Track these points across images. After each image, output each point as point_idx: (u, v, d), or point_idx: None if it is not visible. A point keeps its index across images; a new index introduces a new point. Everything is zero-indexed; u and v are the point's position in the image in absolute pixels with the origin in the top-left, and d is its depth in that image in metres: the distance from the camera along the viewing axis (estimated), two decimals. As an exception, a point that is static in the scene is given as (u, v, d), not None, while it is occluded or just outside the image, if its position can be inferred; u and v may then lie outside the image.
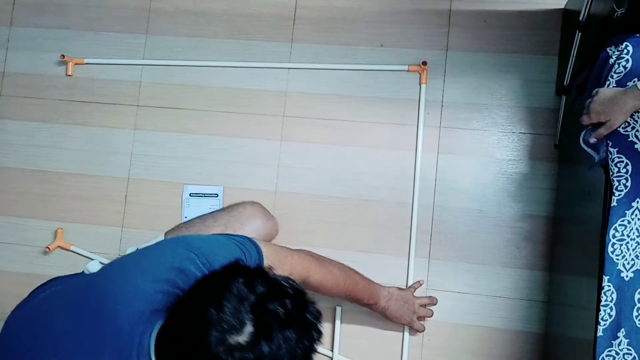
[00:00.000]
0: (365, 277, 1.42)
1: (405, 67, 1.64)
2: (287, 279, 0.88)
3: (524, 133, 1.60)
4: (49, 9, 1.83)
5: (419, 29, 1.66)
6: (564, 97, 1.45)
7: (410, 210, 1.60)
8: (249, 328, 0.79)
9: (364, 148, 1.65)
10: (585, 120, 1.10)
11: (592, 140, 1.09)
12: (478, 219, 1.59)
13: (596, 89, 1.08)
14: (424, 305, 1.53)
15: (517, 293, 1.55)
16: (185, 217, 1.69)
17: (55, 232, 1.72)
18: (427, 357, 1.56)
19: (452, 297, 1.57)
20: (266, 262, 1.08)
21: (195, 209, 1.69)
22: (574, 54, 1.31)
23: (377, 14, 1.68)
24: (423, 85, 1.63)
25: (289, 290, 0.85)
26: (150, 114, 1.75)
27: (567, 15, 1.57)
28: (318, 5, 1.71)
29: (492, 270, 1.57)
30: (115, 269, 1.04)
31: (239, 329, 0.79)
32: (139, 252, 1.07)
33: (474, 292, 1.57)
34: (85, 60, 1.77)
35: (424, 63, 1.62)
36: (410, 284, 1.57)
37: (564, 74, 1.42)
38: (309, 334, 0.83)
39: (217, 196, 1.69)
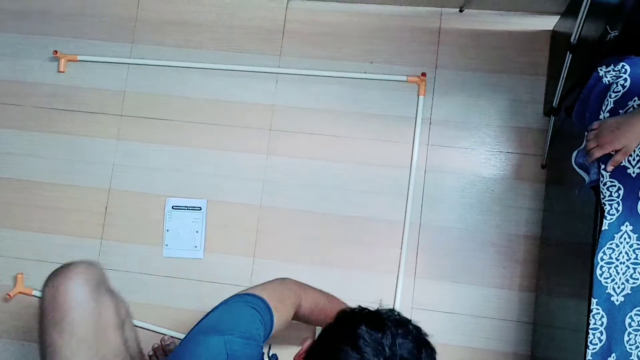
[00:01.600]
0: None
1: (404, 78, 1.63)
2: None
3: (511, 153, 1.59)
4: (31, 15, 1.79)
5: (409, 46, 1.66)
6: (552, 118, 1.45)
7: (402, 227, 1.59)
8: None
9: (351, 164, 1.63)
10: (596, 153, 1.06)
11: (610, 168, 1.05)
12: (464, 238, 1.58)
13: (595, 122, 1.07)
14: None
15: (503, 314, 1.54)
16: (167, 230, 1.65)
17: (15, 278, 1.66)
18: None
19: (437, 317, 1.56)
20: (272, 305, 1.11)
21: (177, 221, 1.65)
22: (564, 75, 1.32)
23: (367, 30, 1.68)
24: (421, 97, 1.62)
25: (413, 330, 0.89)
26: (134, 124, 1.71)
27: (555, 37, 1.58)
28: (307, 20, 1.70)
29: (478, 290, 1.55)
30: None
31: None
32: None
33: (460, 312, 1.55)
34: (78, 57, 1.73)
35: (423, 74, 1.61)
36: (398, 302, 1.55)
37: (553, 95, 1.42)
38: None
39: (201, 209, 1.65)
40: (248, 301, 1.09)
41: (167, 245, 1.65)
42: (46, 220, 1.70)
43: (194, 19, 1.73)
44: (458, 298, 1.56)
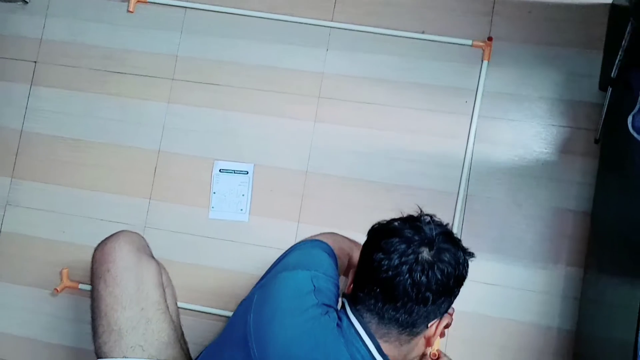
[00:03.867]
0: None
1: (469, 42, 1.61)
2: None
3: (563, 126, 1.57)
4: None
5: (462, 17, 1.64)
6: (609, 89, 1.42)
7: (448, 197, 1.58)
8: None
9: (400, 133, 1.63)
10: None
11: None
12: (512, 211, 1.56)
13: None
14: None
15: (549, 288, 1.52)
16: (214, 193, 1.67)
17: (61, 273, 1.70)
18: (452, 347, 1.53)
19: (480, 288, 1.54)
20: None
21: (224, 184, 1.67)
22: (625, 45, 1.29)
23: (420, 0, 1.67)
24: (485, 62, 1.60)
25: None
26: (185, 88, 1.74)
27: (614, 10, 1.54)
28: (360, -11, 1.70)
29: (525, 263, 1.54)
30: (260, 332, 0.99)
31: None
32: (262, 300, 1.04)
33: (505, 285, 1.54)
34: None
35: (490, 38, 1.60)
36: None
37: (610, 68, 1.39)
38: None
39: (247, 173, 1.67)
40: (321, 246, 1.14)
41: (213, 207, 1.68)
42: (97, 179, 1.74)
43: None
44: (503, 270, 1.54)
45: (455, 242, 0.98)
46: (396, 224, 0.98)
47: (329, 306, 1.01)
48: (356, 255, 1.27)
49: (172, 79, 1.75)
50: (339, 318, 0.98)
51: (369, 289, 0.96)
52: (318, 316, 0.97)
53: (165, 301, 1.35)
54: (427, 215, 1.00)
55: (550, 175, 1.55)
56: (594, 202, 1.51)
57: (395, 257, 0.92)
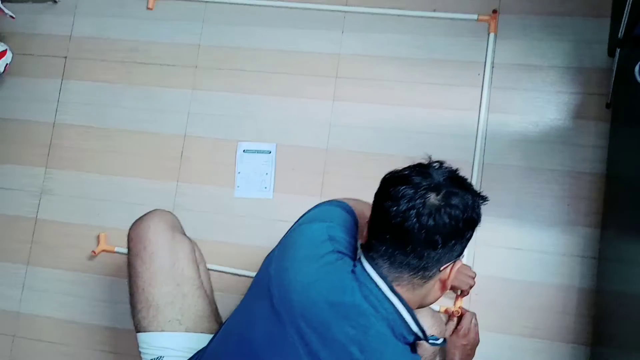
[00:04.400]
0: None
1: (475, 16, 1.67)
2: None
3: (574, 93, 1.61)
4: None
5: (471, -7, 1.70)
6: (617, 51, 1.46)
7: (467, 167, 1.62)
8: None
9: (416, 107, 1.68)
10: None
11: None
12: (528, 177, 1.60)
13: None
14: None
15: (568, 249, 1.56)
16: (239, 172, 1.74)
17: (98, 237, 1.79)
18: (476, 311, 1.57)
19: (502, 253, 1.59)
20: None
21: (248, 164, 1.74)
22: (630, 4, 1.33)
23: (430, -21, 1.73)
24: (492, 35, 1.66)
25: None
26: (208, 75, 1.82)
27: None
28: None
29: (543, 226, 1.58)
30: (281, 280, 1.05)
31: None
32: (282, 251, 1.10)
33: (525, 248, 1.58)
34: None
35: (495, 11, 1.65)
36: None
37: (617, 33, 1.43)
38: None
39: (270, 153, 1.74)
40: (340, 204, 1.19)
41: (238, 186, 1.74)
42: (127, 165, 1.82)
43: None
44: (523, 234, 1.58)
45: (465, 186, 0.99)
46: (406, 172, 1.01)
47: (344, 254, 1.05)
48: None
49: (195, 67, 1.83)
50: (354, 265, 1.02)
51: (380, 236, 0.99)
52: (333, 261, 1.02)
53: (200, 277, 1.41)
54: (437, 162, 1.02)
55: (564, 140, 1.60)
56: (608, 163, 1.55)
57: (404, 202, 0.94)
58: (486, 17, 1.66)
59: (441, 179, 0.98)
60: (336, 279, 1.00)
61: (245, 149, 1.76)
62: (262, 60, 1.79)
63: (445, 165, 1.02)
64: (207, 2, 1.84)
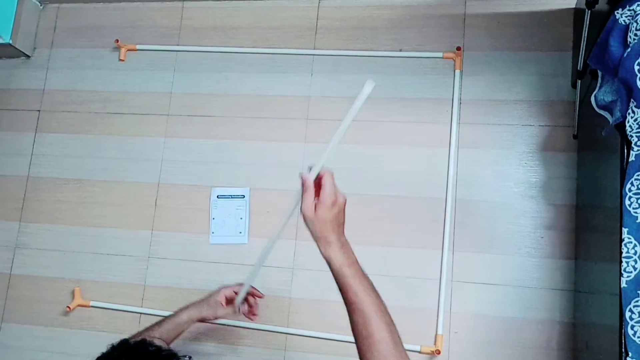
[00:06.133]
0: None
1: (440, 54, 1.70)
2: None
3: (542, 125, 1.63)
4: (86, 32, 1.96)
5: (435, 33, 1.73)
6: (579, 84, 1.48)
7: (438, 203, 1.62)
8: None
9: (386, 145, 1.69)
10: None
11: None
12: (500, 211, 1.60)
13: None
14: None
15: (543, 282, 1.54)
16: (213, 218, 1.73)
17: (73, 292, 1.77)
18: (455, 349, 1.54)
19: (478, 289, 1.57)
20: None
21: (222, 209, 1.74)
22: (585, 35, 1.36)
23: (395, 20, 1.77)
24: (457, 71, 1.68)
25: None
26: (180, 122, 1.83)
27: (578, 13, 1.62)
28: (338, 16, 1.81)
29: (517, 260, 1.57)
30: None
31: None
32: None
33: (500, 283, 1.56)
34: (137, 47, 1.89)
35: (458, 48, 1.68)
36: (445, 276, 1.57)
37: (577, 65, 1.46)
38: None
39: (244, 197, 1.74)
40: None
41: (213, 232, 1.73)
42: (101, 216, 1.81)
43: (233, 23, 1.86)
44: (497, 269, 1.57)
45: None
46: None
47: None
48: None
49: (168, 115, 1.84)
50: None
51: None
52: None
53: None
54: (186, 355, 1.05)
55: (534, 173, 1.60)
56: (577, 193, 1.56)
57: None
58: (451, 55, 1.69)
59: None
60: None
61: (219, 194, 1.75)
62: (233, 105, 1.81)
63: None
64: (177, 51, 1.87)
